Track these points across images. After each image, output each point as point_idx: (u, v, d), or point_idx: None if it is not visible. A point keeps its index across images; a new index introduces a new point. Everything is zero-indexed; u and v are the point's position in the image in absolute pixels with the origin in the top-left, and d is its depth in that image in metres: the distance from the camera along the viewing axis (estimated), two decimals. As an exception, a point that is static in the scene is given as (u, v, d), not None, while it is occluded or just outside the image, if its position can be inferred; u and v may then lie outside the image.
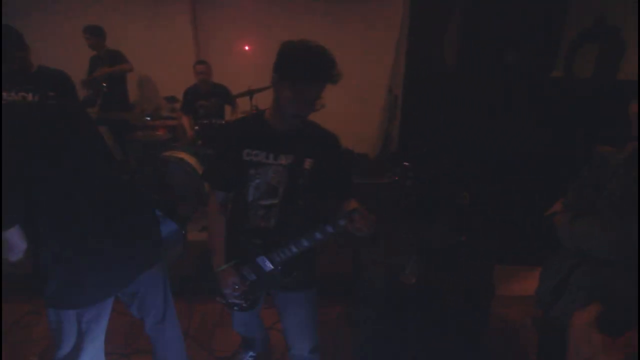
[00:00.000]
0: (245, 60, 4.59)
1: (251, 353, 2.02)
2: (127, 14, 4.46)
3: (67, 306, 1.29)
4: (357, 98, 4.48)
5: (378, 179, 3.07)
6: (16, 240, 1.16)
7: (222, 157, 1.37)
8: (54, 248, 1.23)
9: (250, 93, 3.51)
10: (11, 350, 2.15)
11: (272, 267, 1.34)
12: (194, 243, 2.68)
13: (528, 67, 2.48)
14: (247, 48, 4.57)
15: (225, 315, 2.41)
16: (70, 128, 1.32)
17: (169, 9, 4.46)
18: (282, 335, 1.60)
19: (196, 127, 3.59)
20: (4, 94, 2.17)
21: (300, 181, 1.28)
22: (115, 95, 3.86)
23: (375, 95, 4.74)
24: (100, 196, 1.30)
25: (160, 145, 3.73)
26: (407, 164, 1.36)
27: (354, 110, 4.51)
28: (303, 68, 1.12)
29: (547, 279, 1.29)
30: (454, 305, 1.62)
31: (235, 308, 1.51)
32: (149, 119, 3.82)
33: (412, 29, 3.56)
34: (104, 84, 3.45)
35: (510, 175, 2.64)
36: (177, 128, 4.27)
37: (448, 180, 2.31)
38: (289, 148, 1.28)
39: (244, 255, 1.39)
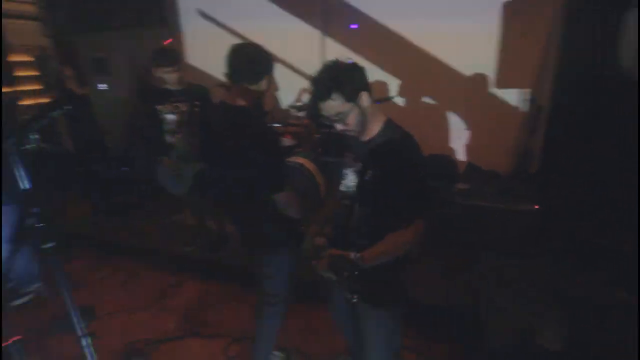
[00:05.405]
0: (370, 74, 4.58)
1: None
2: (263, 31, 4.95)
3: None
4: (490, 105, 3.96)
5: (511, 204, 2.66)
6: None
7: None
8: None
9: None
10: (156, 317, 2.61)
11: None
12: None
13: None
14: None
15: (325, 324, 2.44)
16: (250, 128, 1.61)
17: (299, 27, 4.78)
18: None
19: (317, 135, 3.73)
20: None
21: (364, 191, 1.32)
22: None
23: (512, 103, 4.13)
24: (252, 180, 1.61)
25: (286, 151, 3.99)
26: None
27: (485, 118, 4.00)
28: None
29: None
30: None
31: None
32: (279, 125, 4.13)
33: (570, 29, 2.99)
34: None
35: None
36: (300, 135, 4.52)
37: (614, 218, 1.82)
38: (360, 157, 1.36)
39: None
